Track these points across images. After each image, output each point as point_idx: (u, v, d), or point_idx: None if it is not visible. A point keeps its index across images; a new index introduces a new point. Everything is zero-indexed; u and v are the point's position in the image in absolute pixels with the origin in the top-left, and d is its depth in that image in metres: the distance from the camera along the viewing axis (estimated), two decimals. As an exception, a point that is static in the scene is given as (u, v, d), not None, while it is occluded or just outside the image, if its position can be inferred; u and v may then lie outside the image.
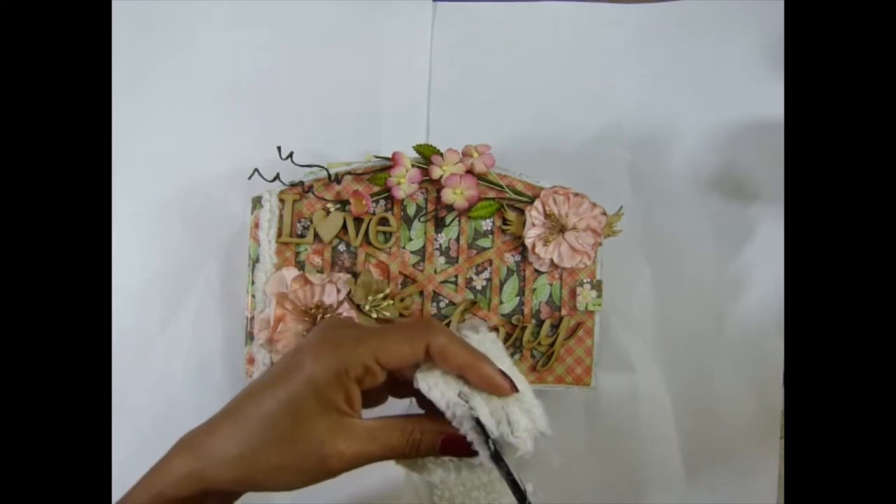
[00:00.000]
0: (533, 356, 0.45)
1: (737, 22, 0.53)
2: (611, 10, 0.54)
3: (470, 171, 0.44)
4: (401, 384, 0.34)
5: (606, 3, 0.54)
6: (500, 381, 0.31)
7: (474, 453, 0.31)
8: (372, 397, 0.34)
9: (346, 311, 0.44)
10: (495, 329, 0.45)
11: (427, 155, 0.44)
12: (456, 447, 0.31)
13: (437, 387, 0.31)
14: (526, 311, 0.45)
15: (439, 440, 0.31)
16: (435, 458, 0.34)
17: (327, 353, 0.30)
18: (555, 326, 0.45)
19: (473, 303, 0.45)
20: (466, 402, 0.31)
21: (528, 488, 0.32)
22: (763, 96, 0.52)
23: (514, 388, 0.32)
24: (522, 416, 0.32)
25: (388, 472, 0.51)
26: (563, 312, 0.45)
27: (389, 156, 0.44)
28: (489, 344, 0.34)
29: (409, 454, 0.32)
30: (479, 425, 0.31)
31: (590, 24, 0.54)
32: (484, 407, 0.31)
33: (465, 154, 0.44)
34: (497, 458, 0.31)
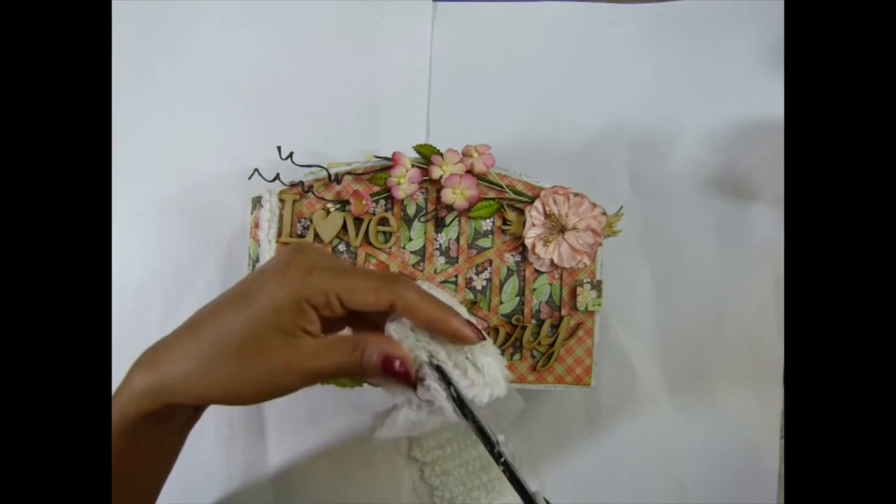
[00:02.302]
0: (533, 356, 0.45)
1: (737, 22, 0.53)
2: (611, 10, 0.54)
3: (470, 171, 0.44)
4: (360, 320, 0.34)
5: (606, 3, 0.54)
6: (469, 332, 0.32)
7: (408, 378, 0.32)
8: (330, 324, 0.34)
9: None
10: (495, 330, 0.45)
11: (427, 155, 0.44)
12: (390, 367, 0.32)
13: (407, 339, 0.32)
14: (526, 311, 0.45)
15: (379, 359, 0.31)
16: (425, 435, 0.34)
17: (293, 278, 0.31)
18: (555, 326, 0.45)
19: (473, 303, 0.45)
20: (433, 362, 0.32)
21: (500, 438, 0.32)
22: (763, 96, 0.52)
23: (482, 337, 0.32)
24: (491, 362, 0.33)
25: (389, 472, 0.51)
26: (563, 312, 0.45)
27: (389, 156, 0.44)
28: (446, 297, 0.35)
29: (357, 372, 0.32)
30: (443, 376, 0.32)
31: (590, 24, 0.54)
32: (448, 361, 0.32)
33: (465, 154, 0.44)
34: (461, 405, 0.31)
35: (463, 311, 0.34)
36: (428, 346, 0.32)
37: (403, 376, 0.32)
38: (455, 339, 0.32)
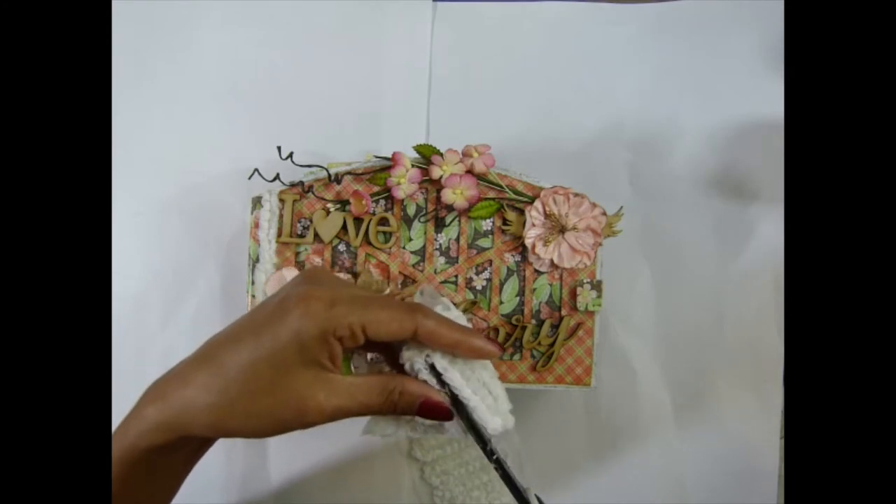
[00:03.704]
0: (533, 356, 0.45)
1: (737, 22, 0.53)
2: (611, 10, 0.54)
3: (470, 171, 0.44)
4: (375, 345, 0.35)
5: (606, 3, 0.54)
6: (492, 347, 0.33)
7: (451, 417, 0.33)
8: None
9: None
10: (495, 330, 0.45)
11: (427, 155, 0.44)
12: (434, 412, 0.33)
13: (421, 367, 0.33)
14: (526, 311, 0.45)
15: (417, 402, 0.32)
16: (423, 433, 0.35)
17: (317, 312, 0.30)
18: (555, 326, 0.45)
19: (473, 303, 0.45)
20: (448, 390, 0.33)
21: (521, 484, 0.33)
22: (763, 96, 0.52)
23: (503, 349, 0.33)
24: (504, 394, 0.34)
25: (389, 472, 0.51)
26: (563, 312, 0.45)
27: (389, 156, 0.44)
28: (455, 314, 0.36)
29: (387, 411, 0.32)
30: (455, 401, 0.33)
31: (590, 24, 0.54)
32: (466, 388, 0.33)
33: (465, 154, 0.44)
34: (484, 442, 0.32)
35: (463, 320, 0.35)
36: (445, 372, 0.33)
37: (444, 413, 0.32)
38: (479, 356, 0.33)
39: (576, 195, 0.44)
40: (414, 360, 0.33)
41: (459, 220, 0.45)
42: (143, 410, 0.31)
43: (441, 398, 0.32)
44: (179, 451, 0.33)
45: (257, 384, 0.30)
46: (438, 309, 0.35)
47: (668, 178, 0.52)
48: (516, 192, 0.44)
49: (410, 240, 0.45)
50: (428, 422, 0.33)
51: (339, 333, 0.30)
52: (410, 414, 0.33)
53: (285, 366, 0.30)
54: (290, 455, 0.51)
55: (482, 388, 0.33)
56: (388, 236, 0.45)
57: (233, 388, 0.30)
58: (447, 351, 0.33)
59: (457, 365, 0.33)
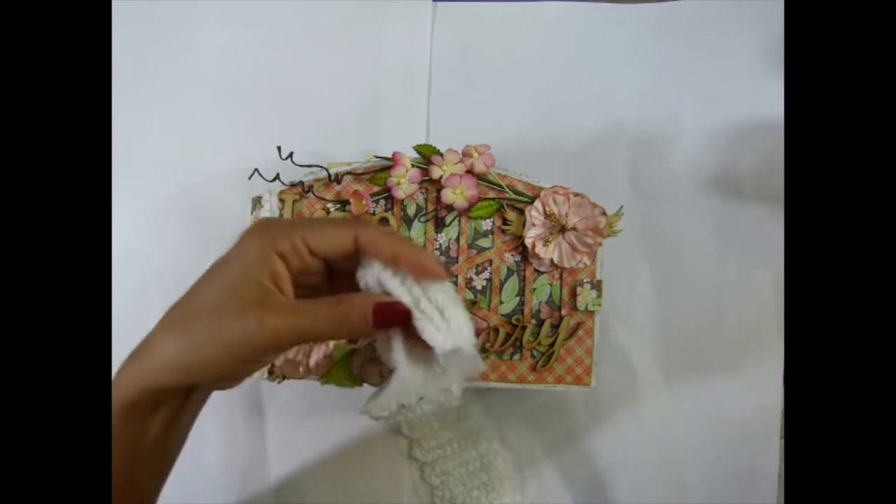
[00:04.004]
0: (533, 356, 0.45)
1: (737, 22, 0.53)
2: (611, 10, 0.54)
3: (470, 171, 0.44)
4: (342, 281, 0.33)
5: (606, 3, 0.54)
6: (436, 266, 0.31)
7: (409, 321, 0.31)
8: (312, 294, 0.33)
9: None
10: (495, 330, 0.45)
11: (427, 155, 0.44)
12: (390, 315, 0.31)
13: (374, 284, 0.31)
14: (526, 311, 0.45)
15: (370, 310, 0.30)
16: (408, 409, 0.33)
17: (259, 233, 0.31)
18: (555, 326, 0.45)
19: (473, 303, 0.45)
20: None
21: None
22: (763, 96, 0.52)
23: (448, 273, 0.32)
24: (458, 314, 0.32)
25: (389, 472, 0.51)
26: (563, 312, 0.45)
27: (389, 156, 0.44)
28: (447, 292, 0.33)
29: (341, 330, 0.31)
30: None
31: (590, 24, 0.54)
32: (416, 310, 0.31)
33: (465, 154, 0.44)
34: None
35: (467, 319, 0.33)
36: (396, 290, 0.31)
37: (399, 315, 0.30)
38: (422, 273, 0.31)
39: (576, 195, 0.44)
40: (366, 277, 0.31)
41: (459, 220, 0.45)
42: (120, 375, 0.31)
43: (392, 299, 0.31)
44: (157, 411, 0.32)
45: (208, 312, 0.30)
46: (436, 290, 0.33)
47: (668, 178, 0.52)
48: (516, 192, 0.44)
49: (410, 240, 0.45)
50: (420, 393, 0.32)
51: (281, 247, 0.30)
52: (366, 329, 0.31)
53: (233, 290, 0.30)
54: (290, 455, 0.51)
55: (431, 307, 0.31)
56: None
57: (189, 321, 0.30)
58: (390, 262, 0.31)
59: (407, 283, 0.31)
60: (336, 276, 0.33)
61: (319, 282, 0.33)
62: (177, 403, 0.32)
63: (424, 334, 0.31)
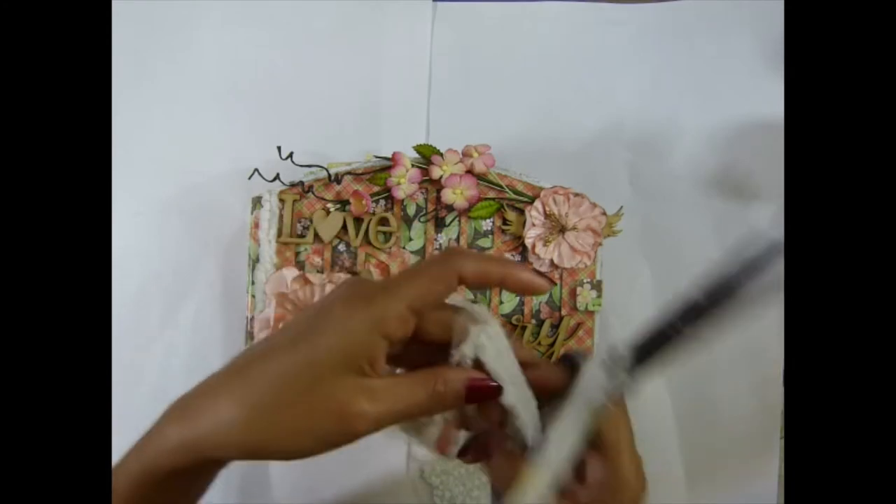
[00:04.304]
0: (533, 356, 0.45)
1: (737, 22, 0.53)
2: (611, 10, 0.54)
3: (470, 171, 0.44)
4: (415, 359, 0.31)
5: (606, 3, 0.54)
6: (540, 281, 0.30)
7: (499, 393, 0.30)
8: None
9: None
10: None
11: (427, 155, 0.44)
12: (481, 391, 0.29)
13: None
14: (526, 311, 0.45)
15: (464, 386, 0.29)
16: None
17: (360, 307, 0.27)
18: (555, 326, 0.45)
19: (473, 303, 0.45)
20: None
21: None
22: (763, 96, 0.52)
23: (553, 282, 0.31)
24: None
25: (389, 472, 0.51)
26: (563, 312, 0.45)
27: (389, 156, 0.44)
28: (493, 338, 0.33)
29: (435, 408, 0.29)
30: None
31: (590, 24, 0.54)
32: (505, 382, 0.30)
33: (465, 154, 0.44)
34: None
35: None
36: (487, 363, 0.30)
37: (490, 391, 0.29)
38: (529, 289, 0.30)
39: (576, 195, 0.44)
40: (462, 352, 0.30)
41: (459, 220, 0.45)
42: (165, 429, 0.27)
43: (483, 376, 0.29)
44: (200, 476, 0.30)
45: (292, 395, 0.26)
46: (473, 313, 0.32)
47: (668, 178, 0.52)
48: (516, 192, 0.44)
49: (410, 240, 0.45)
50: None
51: (389, 326, 0.27)
52: (459, 403, 0.29)
53: (322, 374, 0.27)
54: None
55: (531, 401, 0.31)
56: (388, 236, 0.45)
57: (266, 400, 0.26)
58: (497, 286, 0.30)
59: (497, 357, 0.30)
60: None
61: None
62: (220, 467, 0.30)
63: (524, 428, 0.30)
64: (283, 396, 0.26)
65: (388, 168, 0.44)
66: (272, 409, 0.26)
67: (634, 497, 0.32)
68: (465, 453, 0.33)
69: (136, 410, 0.50)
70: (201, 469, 0.29)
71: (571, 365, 0.32)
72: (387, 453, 0.51)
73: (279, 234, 0.44)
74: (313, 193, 0.44)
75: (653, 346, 0.31)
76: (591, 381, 0.31)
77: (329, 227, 0.44)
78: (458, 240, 0.45)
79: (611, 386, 0.31)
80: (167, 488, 0.28)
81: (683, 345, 0.29)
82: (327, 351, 0.27)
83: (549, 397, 0.32)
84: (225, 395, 0.27)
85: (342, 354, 0.27)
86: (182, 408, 0.28)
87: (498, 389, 0.30)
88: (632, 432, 0.32)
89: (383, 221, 0.45)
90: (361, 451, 0.51)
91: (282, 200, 0.45)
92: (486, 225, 0.45)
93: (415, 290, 0.28)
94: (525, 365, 0.31)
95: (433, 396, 0.29)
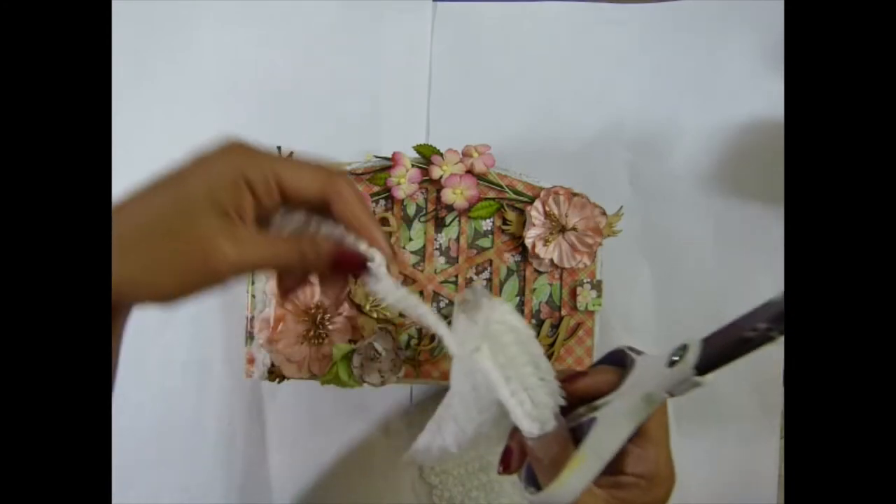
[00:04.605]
0: (533, 356, 0.45)
1: (737, 22, 0.53)
2: (611, 10, 0.54)
3: (470, 171, 0.44)
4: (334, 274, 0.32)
5: (606, 3, 0.54)
6: (384, 247, 0.30)
7: (364, 270, 0.30)
8: (290, 281, 0.32)
9: (346, 311, 0.44)
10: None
11: (427, 155, 0.44)
12: (350, 263, 0.30)
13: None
14: (526, 311, 0.45)
15: (330, 252, 0.30)
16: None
17: (231, 156, 0.29)
18: (555, 326, 0.45)
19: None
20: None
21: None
22: (763, 96, 0.52)
23: (395, 260, 0.31)
24: (549, 401, 0.31)
25: (388, 471, 0.51)
26: (563, 312, 0.45)
27: (389, 156, 0.44)
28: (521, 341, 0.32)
29: (297, 265, 0.30)
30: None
31: (590, 24, 0.54)
32: (504, 389, 0.30)
33: (465, 154, 0.44)
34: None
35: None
36: (486, 370, 0.30)
37: (357, 264, 0.30)
38: (363, 255, 0.30)
39: (576, 195, 0.44)
40: (292, 223, 0.30)
41: (459, 220, 0.45)
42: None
43: (353, 251, 0.30)
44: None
45: (162, 230, 0.27)
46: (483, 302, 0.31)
47: (668, 178, 0.52)
48: (516, 192, 0.44)
49: (410, 240, 0.45)
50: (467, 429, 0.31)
51: (253, 178, 0.28)
52: (320, 264, 0.30)
53: (188, 209, 0.27)
54: (290, 455, 0.51)
55: (522, 392, 0.30)
56: (388, 236, 0.45)
57: (135, 236, 0.27)
58: (346, 224, 0.30)
59: (499, 361, 0.30)
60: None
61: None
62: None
63: (512, 416, 0.30)
64: (148, 231, 0.27)
65: (388, 168, 0.44)
66: (137, 243, 0.27)
67: (668, 491, 0.32)
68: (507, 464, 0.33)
69: (136, 409, 0.50)
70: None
71: (621, 360, 0.32)
72: (386, 453, 0.51)
73: (279, 234, 0.44)
74: (313, 193, 0.44)
75: (728, 347, 0.30)
76: (654, 377, 0.31)
77: (329, 227, 0.44)
78: (458, 240, 0.45)
79: (676, 383, 0.31)
80: None
81: (758, 346, 0.29)
82: (194, 188, 0.28)
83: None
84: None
85: (208, 192, 0.28)
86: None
87: (364, 264, 0.30)
88: (669, 428, 0.32)
89: (383, 221, 0.45)
90: (361, 451, 0.51)
91: (282, 200, 0.45)
92: (486, 225, 0.45)
93: (286, 167, 0.29)
94: (571, 378, 0.31)
95: (297, 253, 0.29)
